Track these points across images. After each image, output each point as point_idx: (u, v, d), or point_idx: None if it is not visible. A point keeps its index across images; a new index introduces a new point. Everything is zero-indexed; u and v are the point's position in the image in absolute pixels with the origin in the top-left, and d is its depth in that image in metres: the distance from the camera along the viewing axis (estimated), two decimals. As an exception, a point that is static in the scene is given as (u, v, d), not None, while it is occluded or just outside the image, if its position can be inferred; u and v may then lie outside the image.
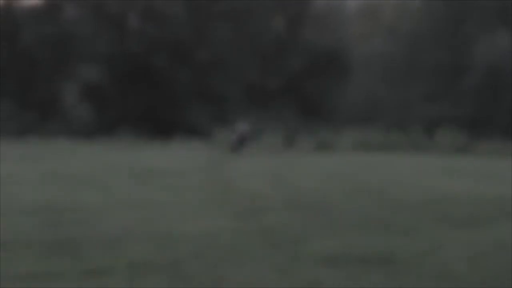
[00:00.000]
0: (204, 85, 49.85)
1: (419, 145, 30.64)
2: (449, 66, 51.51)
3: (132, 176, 15.87)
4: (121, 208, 11.06)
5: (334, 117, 54.75)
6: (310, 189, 12.64)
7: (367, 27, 66.37)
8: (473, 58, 47.01)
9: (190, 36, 49.27)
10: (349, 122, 46.85)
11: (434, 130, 32.09)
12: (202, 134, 36.54)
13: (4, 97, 48.20)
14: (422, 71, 54.44)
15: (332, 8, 64.00)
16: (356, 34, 65.42)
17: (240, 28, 51.78)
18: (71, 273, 7.04)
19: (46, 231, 9.12)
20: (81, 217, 10.18)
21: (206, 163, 19.64)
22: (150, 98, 48.24)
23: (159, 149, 29.54)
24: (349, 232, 8.82)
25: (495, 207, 10.35)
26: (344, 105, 58.71)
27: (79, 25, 49.65)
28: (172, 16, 48.16)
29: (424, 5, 57.46)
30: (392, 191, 12.29)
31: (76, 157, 22.60)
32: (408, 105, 49.89)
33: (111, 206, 11.24)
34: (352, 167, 17.94)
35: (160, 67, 48.02)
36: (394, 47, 58.77)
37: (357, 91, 59.69)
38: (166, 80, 48.48)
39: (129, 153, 25.16)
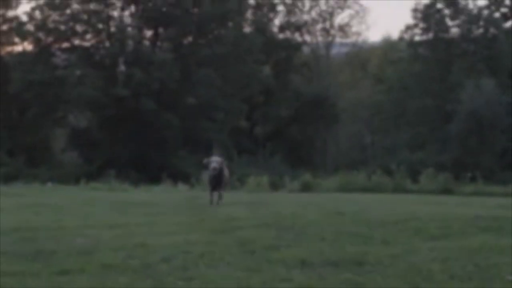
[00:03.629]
0: (192, 130, 50.05)
1: (404, 187, 30.57)
2: (435, 112, 52.00)
3: (111, 206, 15.87)
4: (96, 228, 11.07)
5: (321, 163, 55.03)
6: (287, 213, 12.68)
7: (353, 75, 67.11)
8: (458, 104, 47.43)
9: (177, 82, 49.56)
10: (335, 168, 47.05)
11: (419, 173, 32.14)
12: (189, 179, 36.50)
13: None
14: (408, 117, 54.91)
15: (318, 56, 64.76)
16: (342, 82, 66.12)
17: (228, 74, 52.19)
18: (45, 273, 7.22)
19: (21, 244, 9.18)
20: (56, 235, 10.19)
21: (186, 198, 19.64)
22: (138, 143, 48.32)
23: (143, 190, 29.50)
24: (323, 242, 8.86)
25: (469, 223, 10.41)
26: (331, 151, 59.13)
27: (68, 71, 49.90)
28: (160, 62, 48.49)
29: (410, 53, 58.10)
30: (368, 214, 12.33)
31: (58, 194, 22.58)
32: (395, 151, 50.13)
33: (87, 227, 11.24)
34: (331, 200, 18.02)
35: (147, 112, 48.19)
36: (381, 94, 59.38)
37: (344, 138, 60.13)
38: (154, 125, 48.66)
39: (112, 192, 25.15)
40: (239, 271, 7.11)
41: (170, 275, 6.97)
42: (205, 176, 17.07)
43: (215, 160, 15.66)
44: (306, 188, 29.48)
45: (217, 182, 15.70)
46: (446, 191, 29.00)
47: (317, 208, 13.62)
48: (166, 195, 22.67)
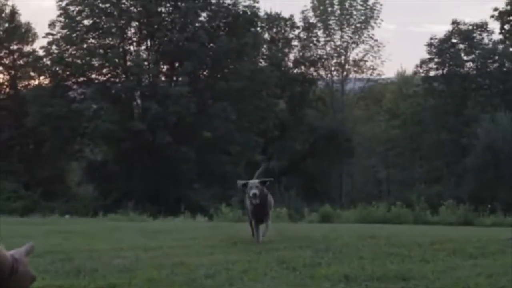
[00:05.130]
0: (207, 164, 50.19)
1: (424, 218, 30.53)
2: (451, 146, 52.05)
3: (139, 233, 15.89)
4: (131, 251, 11.08)
5: (336, 197, 55.04)
6: (318, 236, 12.70)
7: (368, 110, 67.27)
8: (474, 138, 47.48)
9: (193, 115, 49.83)
10: (352, 202, 47.02)
11: (437, 206, 32.15)
12: (206, 212, 36.58)
13: (9, 176, 48.41)
14: (424, 151, 55.00)
15: (333, 91, 65.05)
16: (357, 116, 66.32)
17: (244, 108, 52.47)
18: (92, 287, 7.28)
19: (60, 264, 9.19)
20: (92, 256, 10.21)
21: (210, 227, 19.70)
22: (154, 176, 48.47)
23: (164, 221, 29.56)
24: (363, 260, 8.87)
25: (504, 244, 10.44)
26: (346, 185, 59.18)
27: (84, 104, 50.30)
28: (176, 96, 48.81)
29: (425, 88, 58.32)
30: (401, 237, 12.35)
31: (79, 222, 22.70)
32: (411, 185, 50.09)
33: (121, 250, 11.27)
34: (358, 227, 18.06)
35: (163, 145, 48.41)
36: (395, 128, 59.52)
37: (359, 172, 60.20)
38: (170, 158, 48.82)
39: (133, 222, 25.24)
40: (284, 285, 7.15)
41: (219, 288, 7.03)
42: (246, 202, 12.69)
43: (254, 185, 11.81)
44: (325, 219, 29.44)
45: (262, 212, 12.12)
46: (467, 222, 28.92)
47: (348, 233, 13.64)
48: (189, 225, 22.72)
